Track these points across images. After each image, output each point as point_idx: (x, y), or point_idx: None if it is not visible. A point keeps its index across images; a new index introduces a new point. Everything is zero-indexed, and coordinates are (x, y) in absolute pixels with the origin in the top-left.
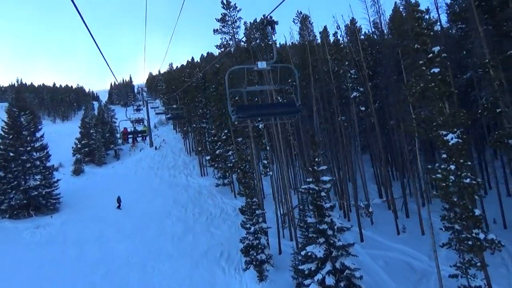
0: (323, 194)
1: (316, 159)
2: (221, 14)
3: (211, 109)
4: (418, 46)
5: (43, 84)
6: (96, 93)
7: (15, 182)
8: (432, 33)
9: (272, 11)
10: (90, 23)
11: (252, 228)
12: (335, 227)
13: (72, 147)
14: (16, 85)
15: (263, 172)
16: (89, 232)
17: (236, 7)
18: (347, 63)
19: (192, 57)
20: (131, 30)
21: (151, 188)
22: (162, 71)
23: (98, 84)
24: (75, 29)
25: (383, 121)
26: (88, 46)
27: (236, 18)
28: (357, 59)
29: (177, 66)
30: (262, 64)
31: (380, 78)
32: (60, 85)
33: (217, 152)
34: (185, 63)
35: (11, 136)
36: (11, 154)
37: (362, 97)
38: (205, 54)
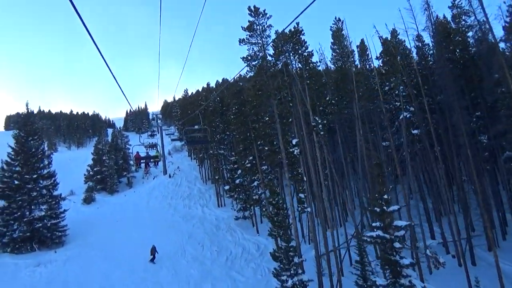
0: (397, 245)
1: (385, 196)
2: (248, 22)
3: (231, 133)
4: None
5: (60, 111)
6: (112, 121)
7: (19, 213)
8: None
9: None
10: (106, 52)
11: (290, 282)
12: None
13: (84, 174)
14: (27, 111)
15: (299, 209)
16: (94, 273)
17: (266, 14)
18: (394, 78)
19: (208, 83)
20: (146, 59)
21: (164, 221)
22: (177, 98)
23: (114, 111)
24: (93, 58)
25: (439, 144)
26: (105, 74)
27: (265, 26)
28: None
29: (192, 92)
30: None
31: (432, 97)
32: (77, 112)
33: (237, 181)
34: (200, 89)
35: (17, 163)
36: (16, 182)
37: (414, 118)
38: (220, 80)
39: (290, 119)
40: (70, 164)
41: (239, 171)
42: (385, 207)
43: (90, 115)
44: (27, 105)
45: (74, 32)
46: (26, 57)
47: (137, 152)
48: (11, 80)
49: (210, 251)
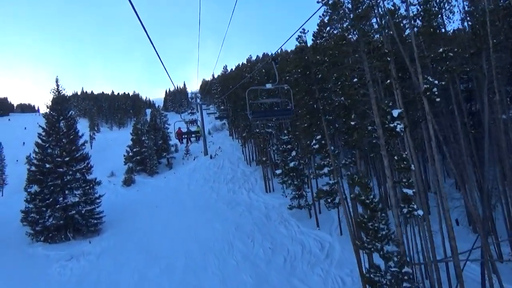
0: None
1: None
2: None
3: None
4: None
5: (102, 92)
6: (153, 101)
7: (51, 199)
8: None
9: None
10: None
11: None
12: None
13: (124, 155)
14: (57, 88)
15: (405, 211)
16: (129, 272)
17: None
18: None
19: (250, 56)
20: (184, 38)
21: (207, 207)
22: (216, 75)
23: (154, 92)
24: (131, 39)
25: None
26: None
27: None
28: None
29: (232, 69)
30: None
31: None
32: (118, 93)
33: (291, 164)
34: (240, 64)
35: (47, 145)
36: (47, 165)
37: None
38: (261, 56)
39: (389, 81)
40: (112, 145)
41: (293, 153)
42: None
43: (130, 95)
44: (57, 81)
45: (110, 9)
46: (68, 38)
47: (179, 128)
48: (55, 63)
49: (262, 247)
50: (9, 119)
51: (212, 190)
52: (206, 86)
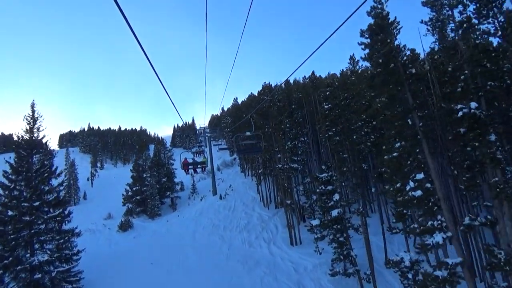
0: None
1: None
2: None
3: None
4: None
5: (109, 128)
6: (161, 137)
7: (10, 259)
8: None
9: None
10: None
11: None
12: None
13: (122, 195)
14: (32, 114)
15: None
16: None
17: None
18: None
19: (264, 82)
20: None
21: (216, 267)
22: (225, 108)
23: (162, 129)
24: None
25: None
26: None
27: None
28: None
29: (243, 100)
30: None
31: None
32: (125, 129)
33: (334, 213)
34: (253, 93)
35: (12, 186)
36: (10, 213)
37: None
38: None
39: None
40: (114, 182)
41: (336, 196)
42: None
43: (137, 130)
44: (32, 107)
45: (118, 47)
46: (75, 73)
47: (185, 158)
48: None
49: None
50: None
51: (223, 240)
52: (214, 121)
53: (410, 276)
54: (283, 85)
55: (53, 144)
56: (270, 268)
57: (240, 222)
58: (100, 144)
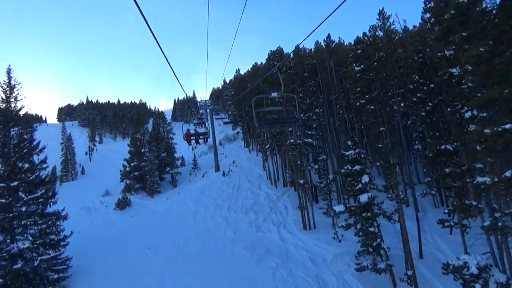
0: None
1: None
2: None
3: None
4: None
5: (108, 101)
6: (162, 111)
7: None
8: None
9: None
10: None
11: None
12: None
13: (120, 170)
14: (9, 81)
15: None
16: None
17: None
18: None
19: (280, 46)
20: (193, 47)
21: (220, 255)
22: (227, 80)
23: (162, 103)
24: (139, 47)
25: None
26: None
27: None
28: None
29: (245, 72)
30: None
31: None
32: (125, 102)
33: (363, 198)
34: (259, 62)
35: None
36: None
37: None
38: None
39: None
40: (113, 157)
41: (365, 178)
42: None
43: (137, 104)
44: (8, 72)
45: (116, 16)
46: (73, 44)
47: (188, 129)
48: (62, 71)
49: None
50: None
51: (227, 223)
52: (216, 93)
53: (478, 287)
54: (296, 50)
55: (52, 118)
56: (282, 258)
57: (246, 202)
58: (99, 117)
